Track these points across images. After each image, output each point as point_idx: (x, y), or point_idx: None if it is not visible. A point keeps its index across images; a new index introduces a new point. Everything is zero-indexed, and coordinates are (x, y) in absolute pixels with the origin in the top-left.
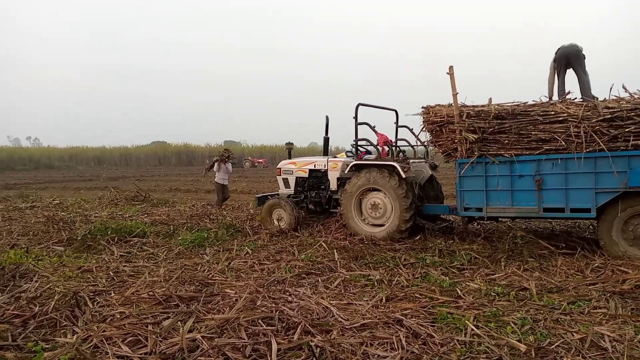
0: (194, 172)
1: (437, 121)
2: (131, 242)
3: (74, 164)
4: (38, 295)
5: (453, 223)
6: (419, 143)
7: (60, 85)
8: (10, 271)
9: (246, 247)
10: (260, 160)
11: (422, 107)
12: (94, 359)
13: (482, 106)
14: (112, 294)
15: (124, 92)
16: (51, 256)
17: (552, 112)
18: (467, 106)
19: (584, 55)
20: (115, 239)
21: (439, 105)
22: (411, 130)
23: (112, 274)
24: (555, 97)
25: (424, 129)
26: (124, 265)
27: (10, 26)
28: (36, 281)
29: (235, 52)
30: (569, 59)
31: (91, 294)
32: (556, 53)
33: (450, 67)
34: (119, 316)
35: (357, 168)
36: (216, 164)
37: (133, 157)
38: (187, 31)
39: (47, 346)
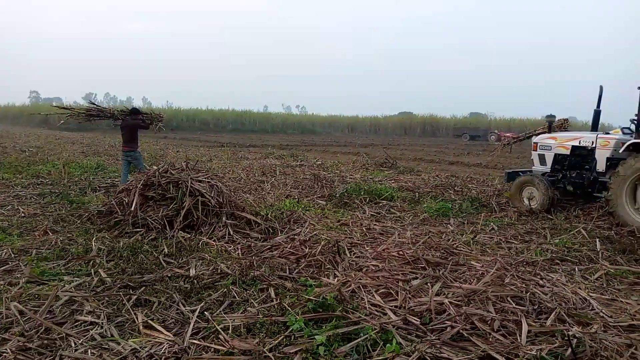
0: (437, 142)
1: None
2: (380, 204)
3: (331, 130)
4: (307, 239)
5: None
6: None
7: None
8: (287, 216)
9: (492, 223)
10: (507, 134)
11: None
12: (353, 302)
13: None
14: (366, 248)
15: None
16: (316, 208)
17: None
18: None
19: None
20: (367, 200)
21: None
22: None
23: (364, 230)
24: None
25: None
26: (374, 224)
27: None
28: (306, 227)
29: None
30: None
31: (348, 244)
32: None
33: None
34: (372, 268)
35: (635, 148)
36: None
37: (381, 126)
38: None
39: (314, 283)
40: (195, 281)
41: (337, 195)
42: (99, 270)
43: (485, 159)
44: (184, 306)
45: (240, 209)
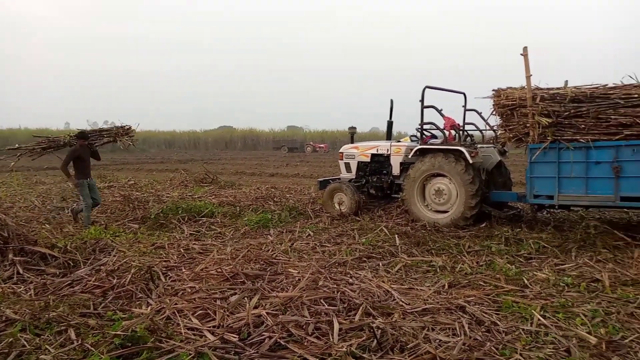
0: (258, 155)
1: (509, 105)
2: (200, 222)
3: (146, 147)
4: (116, 268)
5: (521, 211)
6: (487, 127)
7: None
8: (91, 245)
9: (308, 230)
10: (321, 145)
11: (493, 90)
12: (167, 330)
13: (558, 89)
14: (183, 270)
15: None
16: (127, 233)
17: (636, 95)
18: (541, 89)
19: None
20: (186, 218)
21: (510, 88)
22: (480, 114)
23: (182, 251)
24: None
25: (493, 112)
26: (194, 243)
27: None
28: (114, 255)
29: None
30: None
31: (164, 269)
32: None
33: (525, 48)
34: (189, 290)
35: (421, 153)
36: None
37: (201, 141)
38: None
39: (124, 316)
40: None
41: (152, 217)
42: None
43: (303, 169)
44: None
45: (32, 242)
